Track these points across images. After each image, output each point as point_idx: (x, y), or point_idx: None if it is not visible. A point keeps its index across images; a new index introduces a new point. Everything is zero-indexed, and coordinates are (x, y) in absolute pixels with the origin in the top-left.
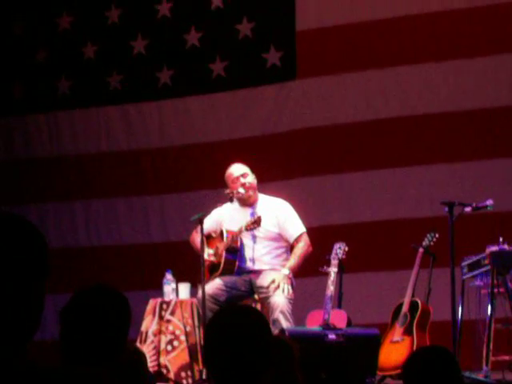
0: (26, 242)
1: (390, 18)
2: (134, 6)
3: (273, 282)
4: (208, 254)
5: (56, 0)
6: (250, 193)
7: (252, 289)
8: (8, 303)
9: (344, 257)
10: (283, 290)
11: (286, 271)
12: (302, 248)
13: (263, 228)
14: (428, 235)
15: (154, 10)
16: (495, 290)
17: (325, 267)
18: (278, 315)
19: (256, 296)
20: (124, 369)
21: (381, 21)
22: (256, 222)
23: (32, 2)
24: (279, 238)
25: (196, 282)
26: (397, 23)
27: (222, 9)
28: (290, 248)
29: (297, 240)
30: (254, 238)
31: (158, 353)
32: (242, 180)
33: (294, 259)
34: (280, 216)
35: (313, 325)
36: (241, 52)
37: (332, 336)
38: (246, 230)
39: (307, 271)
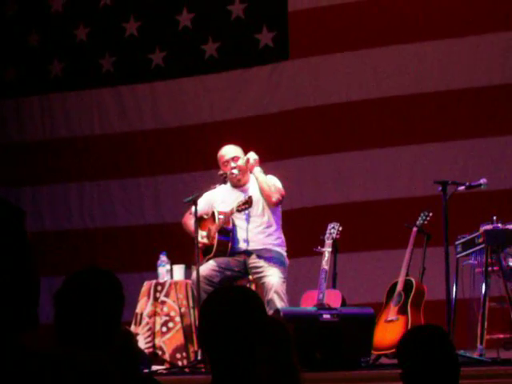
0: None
1: None
2: None
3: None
4: (201, 236)
5: None
6: (240, 176)
7: (246, 269)
8: None
9: (338, 237)
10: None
11: (258, 168)
12: (277, 185)
13: (254, 205)
14: (422, 214)
15: None
16: (489, 269)
17: (319, 247)
18: (272, 295)
19: (250, 276)
20: (116, 351)
21: (373, 0)
22: (247, 203)
23: None
24: (270, 213)
25: (190, 264)
26: (389, 2)
27: None
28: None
29: None
30: (248, 218)
31: (152, 334)
32: (233, 164)
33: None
34: None
35: (307, 305)
36: (233, 33)
37: (327, 316)
38: (238, 211)
39: (301, 251)
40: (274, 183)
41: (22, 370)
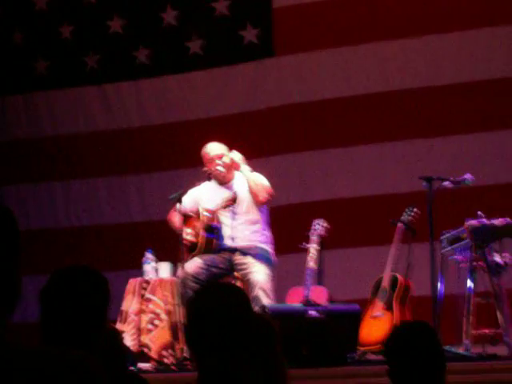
0: None
1: None
2: None
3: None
4: (186, 233)
5: None
6: (224, 173)
7: (231, 266)
8: None
9: (323, 233)
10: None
11: (247, 167)
12: (264, 183)
13: (240, 202)
14: (406, 210)
15: None
16: (474, 264)
17: (304, 244)
18: (257, 292)
19: (236, 273)
20: (102, 348)
21: None
22: (232, 200)
23: None
24: (256, 211)
25: (176, 262)
26: None
27: None
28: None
29: None
30: (234, 215)
31: (138, 332)
32: (218, 161)
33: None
34: None
35: (293, 301)
36: (217, 29)
37: (313, 312)
38: (223, 207)
39: (287, 248)
40: (261, 182)
41: (7, 368)
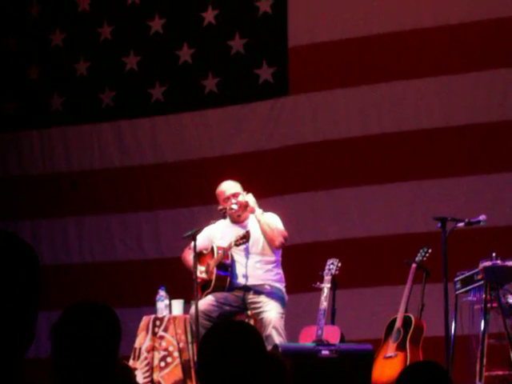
0: (18, 258)
1: (383, 34)
2: (126, 23)
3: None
4: (199, 271)
5: (49, 16)
6: (240, 212)
7: (244, 304)
8: (0, 318)
9: (337, 272)
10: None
11: (260, 210)
12: (279, 228)
13: (254, 242)
14: (421, 250)
15: (147, 26)
16: (488, 305)
17: (318, 283)
18: (270, 331)
19: (248, 312)
20: None
21: (373, 36)
22: (245, 237)
23: (25, 18)
24: (271, 252)
25: (189, 299)
26: (389, 39)
27: (215, 25)
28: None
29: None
30: (247, 253)
31: (151, 369)
32: (233, 200)
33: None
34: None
35: (306, 340)
36: (233, 68)
37: (325, 352)
38: (236, 245)
39: (301, 287)
40: (276, 225)
41: None
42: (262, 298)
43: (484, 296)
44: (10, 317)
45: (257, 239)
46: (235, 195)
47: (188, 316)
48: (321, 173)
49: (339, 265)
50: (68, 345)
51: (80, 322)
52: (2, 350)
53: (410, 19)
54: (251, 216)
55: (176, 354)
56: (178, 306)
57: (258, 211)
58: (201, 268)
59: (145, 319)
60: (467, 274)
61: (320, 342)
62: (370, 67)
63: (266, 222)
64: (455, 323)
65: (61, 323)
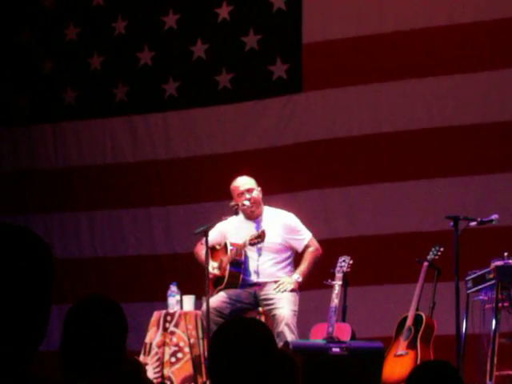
0: (31, 252)
1: (397, 31)
2: (140, 18)
3: (278, 281)
4: (212, 266)
5: (63, 11)
6: (254, 208)
7: (256, 301)
8: (14, 313)
9: (348, 270)
10: (282, 288)
11: (295, 276)
12: (312, 252)
13: (268, 241)
14: (433, 249)
15: (161, 22)
16: (499, 305)
17: (329, 280)
18: (282, 328)
19: (260, 308)
20: (123, 379)
21: (387, 34)
22: (260, 237)
23: (39, 12)
24: (284, 249)
25: (201, 295)
26: (403, 36)
27: (229, 21)
28: (301, 254)
29: (306, 246)
30: (259, 250)
31: (161, 364)
32: (247, 195)
33: (304, 264)
34: (285, 227)
35: (317, 338)
36: (247, 64)
37: (336, 349)
38: (250, 244)
39: (312, 284)
40: (314, 260)
41: None
42: (275, 295)
43: (495, 295)
44: (22, 315)
45: (273, 243)
46: (249, 190)
47: (199, 312)
48: (333, 170)
49: (351, 262)
50: (74, 338)
51: (84, 317)
52: (13, 349)
53: (423, 17)
54: (265, 213)
55: (187, 349)
56: (189, 301)
57: (295, 276)
58: (213, 264)
59: (156, 314)
60: (479, 273)
61: (331, 340)
62: (383, 65)
63: (308, 267)
64: (466, 322)
65: (69, 316)
